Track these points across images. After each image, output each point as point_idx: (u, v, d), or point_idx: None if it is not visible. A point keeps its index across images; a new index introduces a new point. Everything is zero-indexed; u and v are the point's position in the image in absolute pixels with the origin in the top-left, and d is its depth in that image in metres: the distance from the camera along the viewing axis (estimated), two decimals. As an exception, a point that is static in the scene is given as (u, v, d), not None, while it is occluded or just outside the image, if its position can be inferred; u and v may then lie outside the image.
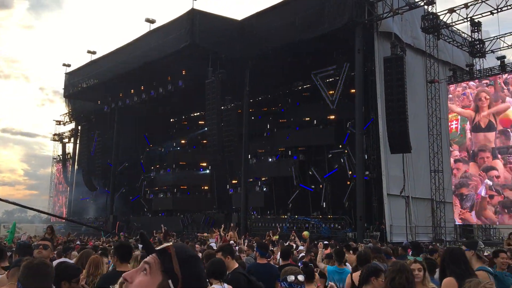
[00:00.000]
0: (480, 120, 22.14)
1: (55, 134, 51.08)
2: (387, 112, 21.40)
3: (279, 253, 9.12)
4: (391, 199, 22.85)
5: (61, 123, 49.75)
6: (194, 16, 27.08)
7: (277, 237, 17.85)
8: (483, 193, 21.36)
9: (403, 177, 23.16)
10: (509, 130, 21.25)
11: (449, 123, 23.72)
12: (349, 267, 7.06)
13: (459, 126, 23.20)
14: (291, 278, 3.35)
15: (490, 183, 21.33)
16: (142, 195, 43.13)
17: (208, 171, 39.96)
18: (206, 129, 28.96)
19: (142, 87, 34.10)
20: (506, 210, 20.77)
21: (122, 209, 39.77)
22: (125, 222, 37.48)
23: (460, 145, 23.07)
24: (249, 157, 32.39)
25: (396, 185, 23.19)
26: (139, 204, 42.93)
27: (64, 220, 43.65)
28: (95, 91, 37.13)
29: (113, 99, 37.09)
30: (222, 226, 17.83)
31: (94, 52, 37.89)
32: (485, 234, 25.42)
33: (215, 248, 8.33)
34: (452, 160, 23.32)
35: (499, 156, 21.38)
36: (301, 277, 3.41)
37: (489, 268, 4.73)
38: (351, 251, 8.64)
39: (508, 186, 20.78)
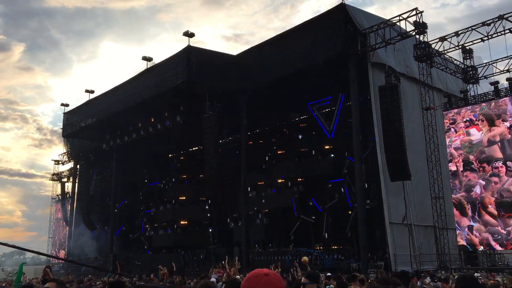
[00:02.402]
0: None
1: (53, 174, 50.93)
2: (385, 140, 21.52)
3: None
4: (393, 227, 22.67)
5: (60, 162, 49.73)
6: (190, 53, 27.54)
7: (279, 269, 17.59)
8: (478, 191, 21.38)
9: (404, 204, 23.05)
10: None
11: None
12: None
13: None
14: None
15: (483, 182, 21.35)
16: (142, 232, 42.66)
17: (207, 206, 39.67)
18: (205, 164, 28.97)
19: (140, 124, 34.24)
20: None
21: (122, 247, 39.26)
22: (125, 260, 36.93)
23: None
24: (249, 189, 32.27)
25: (397, 213, 23.05)
26: (139, 242, 42.38)
27: (63, 261, 42.95)
28: (94, 129, 37.28)
29: (111, 137, 37.19)
30: (227, 258, 17.57)
31: (92, 91, 38.25)
32: (489, 260, 25.10)
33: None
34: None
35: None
36: None
37: None
38: (357, 283, 8.52)
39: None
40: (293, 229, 32.08)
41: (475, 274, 14.65)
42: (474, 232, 21.72)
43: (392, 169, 21.19)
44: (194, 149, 42.28)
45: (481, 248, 21.37)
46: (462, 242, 22.29)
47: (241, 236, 29.93)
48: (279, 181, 34.06)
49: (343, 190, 30.23)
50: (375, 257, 23.44)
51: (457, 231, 22.52)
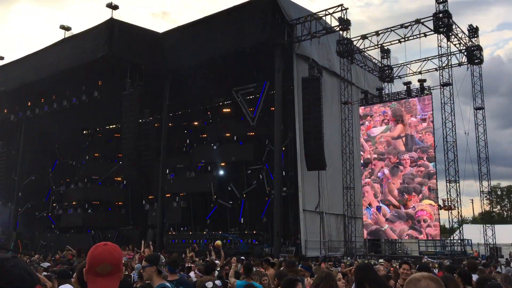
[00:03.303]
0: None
1: (-49, 144, 46.51)
2: (305, 130, 22.17)
3: (196, 269, 9.01)
4: (306, 215, 23.56)
5: (-40, 132, 45.48)
6: (113, 26, 26.30)
7: (196, 249, 17.61)
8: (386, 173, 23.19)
9: (318, 193, 23.99)
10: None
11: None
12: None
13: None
14: (210, 284, 3.33)
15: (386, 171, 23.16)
16: (50, 210, 40.44)
17: (123, 186, 38.53)
18: (122, 141, 27.99)
19: (54, 97, 32.27)
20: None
21: (27, 226, 36.97)
22: (30, 239, 34.89)
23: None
24: (167, 172, 31.77)
25: (311, 201, 23.97)
26: (46, 220, 40.16)
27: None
28: (1, 99, 34.54)
29: (20, 108, 34.72)
30: (143, 241, 17.22)
31: (1, 58, 35.50)
32: (391, 248, 26.98)
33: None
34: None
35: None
36: (218, 282, 3.40)
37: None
38: (269, 266, 8.75)
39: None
40: (209, 214, 32.18)
41: (380, 260, 15.67)
42: (381, 212, 23.36)
43: (309, 159, 21.93)
44: (111, 126, 40.71)
45: (386, 226, 23.06)
46: (369, 221, 23.86)
47: (156, 219, 29.48)
48: (199, 165, 33.89)
49: (261, 177, 30.80)
50: (287, 242, 24.23)
51: (365, 211, 24.09)
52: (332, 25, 24.09)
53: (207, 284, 3.34)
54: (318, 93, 21.79)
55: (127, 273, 9.33)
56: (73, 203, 38.23)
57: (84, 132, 42.95)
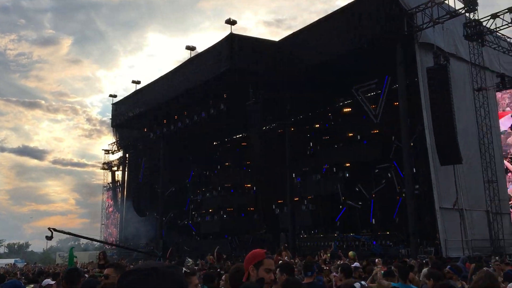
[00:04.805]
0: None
1: (104, 163, 52.70)
2: (434, 123, 20.88)
3: (336, 271, 9.00)
4: (444, 213, 22.05)
5: (110, 152, 51.38)
6: (233, 41, 27.64)
7: (329, 255, 17.59)
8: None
9: (455, 189, 22.34)
10: None
11: None
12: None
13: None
14: (358, 285, 3.36)
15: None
16: (190, 218, 43.66)
17: (253, 192, 40.06)
18: (249, 151, 29.18)
19: (185, 113, 34.88)
20: None
21: (171, 234, 40.37)
22: (175, 246, 37.98)
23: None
24: (294, 176, 32.25)
25: (448, 198, 22.38)
26: (188, 228, 43.43)
27: (115, 247, 44.67)
28: (141, 119, 38.35)
29: (158, 126, 38.11)
30: (282, 245, 17.78)
31: (138, 82, 39.25)
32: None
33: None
34: None
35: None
36: (364, 283, 3.41)
37: None
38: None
39: None
40: (339, 215, 31.88)
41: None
42: None
43: (442, 153, 20.58)
44: (238, 136, 42.65)
45: None
46: None
47: (287, 223, 30.04)
48: (324, 167, 33.84)
49: (390, 175, 29.68)
50: (424, 242, 22.97)
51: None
52: (456, 7, 22.39)
53: (355, 285, 3.39)
54: (446, 82, 20.39)
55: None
56: (210, 210, 40.83)
57: (214, 143, 45.64)
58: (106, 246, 44.30)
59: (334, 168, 33.02)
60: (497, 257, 18.63)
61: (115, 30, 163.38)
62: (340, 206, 32.01)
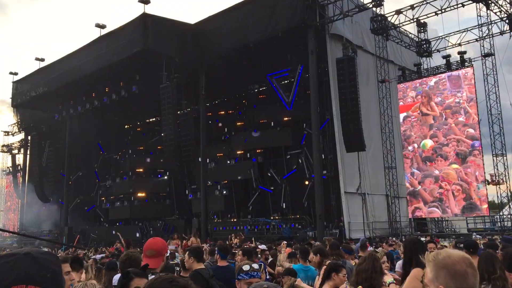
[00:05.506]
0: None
1: (3, 145, 48.91)
2: (342, 112, 21.89)
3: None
4: (348, 197, 23.37)
5: (10, 133, 47.72)
6: (146, 21, 26.66)
7: (243, 237, 17.87)
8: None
9: (359, 174, 23.72)
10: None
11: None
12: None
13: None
14: (247, 267, 3.38)
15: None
16: (98, 204, 41.96)
17: (166, 177, 39.40)
18: (162, 134, 28.52)
19: (94, 94, 33.18)
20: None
21: (77, 220, 38.55)
22: (81, 233, 36.36)
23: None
24: (208, 161, 32.21)
25: (352, 183, 23.73)
26: (95, 214, 41.74)
27: (16, 235, 41.77)
28: (45, 99, 35.81)
29: (64, 107, 35.92)
30: (193, 230, 17.67)
31: (42, 59, 36.67)
32: (437, 227, 26.42)
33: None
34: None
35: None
36: (255, 265, 3.45)
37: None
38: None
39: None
40: (251, 200, 32.48)
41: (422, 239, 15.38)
42: (415, 176, 23.57)
43: (347, 140, 21.66)
44: (151, 120, 41.59)
45: (419, 187, 23.05)
46: (408, 185, 23.85)
47: (200, 208, 30.02)
48: (238, 152, 34.17)
49: (300, 161, 30.74)
50: (330, 225, 24.15)
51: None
52: (365, 2, 23.51)
53: (244, 267, 3.41)
54: (353, 73, 21.40)
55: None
56: (120, 196, 39.53)
57: (126, 126, 44.09)
58: (5, 234, 41.22)
59: (248, 154, 33.49)
60: (394, 238, 20.13)
61: (19, 2, 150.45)
62: (253, 191, 32.61)
